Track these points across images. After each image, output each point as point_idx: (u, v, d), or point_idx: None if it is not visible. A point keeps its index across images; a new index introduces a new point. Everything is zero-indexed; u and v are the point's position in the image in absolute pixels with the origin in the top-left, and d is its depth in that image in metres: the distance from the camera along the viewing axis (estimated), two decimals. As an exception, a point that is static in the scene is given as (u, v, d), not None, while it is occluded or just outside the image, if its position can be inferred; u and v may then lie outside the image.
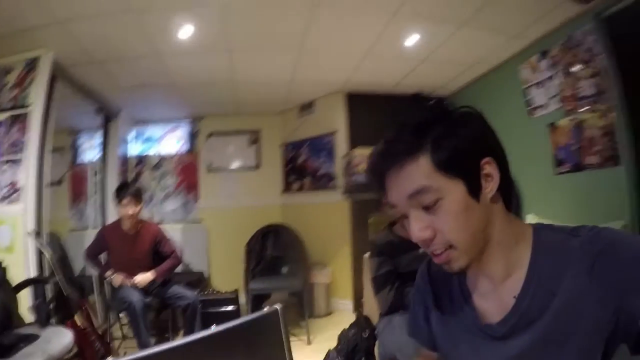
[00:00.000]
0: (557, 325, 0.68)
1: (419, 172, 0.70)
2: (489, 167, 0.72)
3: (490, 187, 0.72)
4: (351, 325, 2.67)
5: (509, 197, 0.78)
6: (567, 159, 3.14)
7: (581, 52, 2.97)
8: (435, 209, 0.70)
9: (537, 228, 0.77)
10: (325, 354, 2.56)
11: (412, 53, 3.61)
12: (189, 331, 3.13)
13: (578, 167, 3.05)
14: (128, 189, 3.27)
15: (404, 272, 2.17)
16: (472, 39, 3.34)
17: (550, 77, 3.26)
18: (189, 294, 3.27)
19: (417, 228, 0.72)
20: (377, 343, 2.21)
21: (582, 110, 3.00)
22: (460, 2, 2.81)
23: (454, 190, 0.70)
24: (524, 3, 2.83)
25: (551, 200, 3.16)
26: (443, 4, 2.85)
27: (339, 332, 2.63)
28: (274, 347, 2.89)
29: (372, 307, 2.75)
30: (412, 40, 3.37)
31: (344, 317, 3.85)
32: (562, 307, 0.68)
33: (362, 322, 2.99)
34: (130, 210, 3.21)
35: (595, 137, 2.90)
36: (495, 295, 0.77)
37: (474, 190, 0.71)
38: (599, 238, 0.68)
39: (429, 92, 4.57)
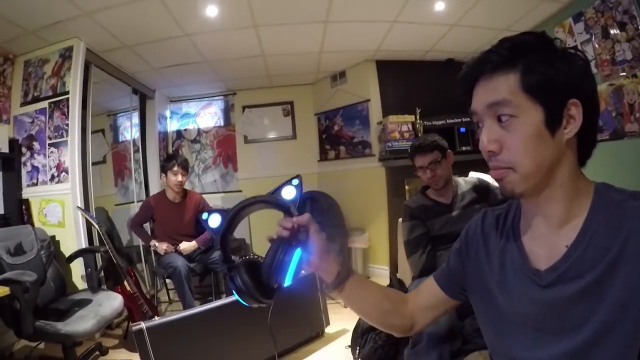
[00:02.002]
0: (605, 280, 0.68)
1: (505, 86, 0.72)
2: (575, 109, 0.72)
3: (570, 128, 0.73)
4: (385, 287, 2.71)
5: (585, 152, 0.80)
6: (607, 126, 2.98)
7: (617, 14, 2.79)
8: (508, 125, 0.72)
9: (599, 185, 0.78)
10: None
11: (442, 18, 3.47)
12: (232, 293, 3.26)
13: (618, 135, 2.89)
14: (176, 159, 3.46)
15: (435, 236, 2.19)
16: (503, 2, 3.18)
17: (587, 41, 3.08)
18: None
19: (486, 138, 0.74)
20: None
21: (619, 75, 2.83)
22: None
23: (531, 115, 0.71)
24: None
25: (590, 169, 3.00)
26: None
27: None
28: (311, 307, 3.01)
29: (405, 271, 2.77)
30: (440, 4, 3.24)
31: (381, 283, 3.90)
32: (613, 263, 0.67)
33: (395, 284, 3.03)
34: (179, 177, 3.40)
35: (635, 103, 2.74)
36: (548, 241, 0.78)
37: (551, 123, 0.72)
38: None
39: (462, 58, 4.42)
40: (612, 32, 2.86)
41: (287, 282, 0.82)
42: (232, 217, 0.86)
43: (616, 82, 2.86)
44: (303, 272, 0.88)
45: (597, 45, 3.00)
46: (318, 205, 4.63)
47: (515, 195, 0.76)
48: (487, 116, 0.75)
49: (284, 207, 0.85)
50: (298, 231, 0.84)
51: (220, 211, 0.89)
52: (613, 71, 2.88)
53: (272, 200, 0.87)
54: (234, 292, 0.82)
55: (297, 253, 0.83)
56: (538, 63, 0.71)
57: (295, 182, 0.88)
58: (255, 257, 0.87)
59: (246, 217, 0.90)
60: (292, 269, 0.81)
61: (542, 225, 0.79)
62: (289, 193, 0.87)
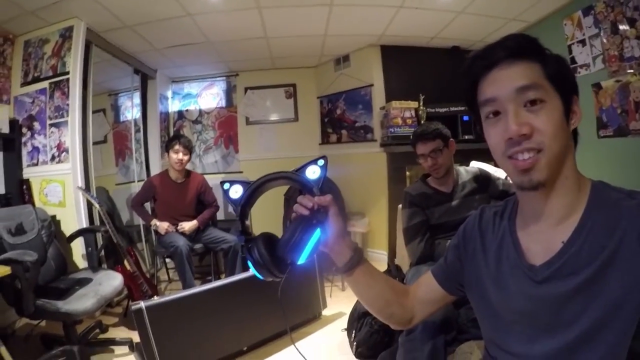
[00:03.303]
0: (600, 277, 0.69)
1: (533, 72, 0.74)
2: (576, 104, 0.78)
3: (574, 120, 0.78)
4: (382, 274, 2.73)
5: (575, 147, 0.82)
6: (611, 123, 2.97)
7: (628, 10, 2.75)
8: (538, 109, 0.73)
9: (596, 183, 0.79)
10: (356, 300, 2.65)
11: (449, 5, 3.42)
12: (231, 272, 3.33)
13: (622, 132, 2.88)
14: (180, 139, 3.49)
15: (435, 224, 2.20)
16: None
17: (595, 35, 3.04)
18: (230, 237, 3.46)
19: (517, 122, 0.72)
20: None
21: (627, 72, 2.80)
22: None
23: (556, 102, 0.74)
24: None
25: (592, 164, 2.96)
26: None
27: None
28: (309, 289, 3.04)
29: (404, 257, 2.79)
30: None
31: (379, 268, 3.92)
32: (608, 261, 0.68)
33: (393, 270, 3.05)
34: (181, 156, 3.43)
35: None
36: (545, 237, 0.79)
37: (567, 112, 0.76)
38: None
39: (467, 46, 4.37)
40: (621, 27, 2.83)
41: (302, 260, 0.84)
42: (255, 189, 0.88)
43: (623, 78, 2.84)
44: (318, 251, 0.89)
45: (605, 41, 2.97)
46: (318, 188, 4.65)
47: (540, 185, 0.74)
48: (512, 102, 0.74)
49: (308, 186, 0.87)
50: (318, 211, 0.86)
51: (242, 182, 0.90)
52: (621, 67, 2.86)
53: (296, 177, 0.88)
54: (249, 263, 0.84)
55: (317, 233, 0.84)
56: (552, 57, 0.76)
57: (321, 162, 0.88)
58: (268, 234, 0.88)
59: (267, 191, 0.92)
60: (309, 248, 0.83)
61: (540, 221, 0.80)
62: (313, 172, 0.87)
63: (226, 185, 0.90)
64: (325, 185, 0.88)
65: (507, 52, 0.75)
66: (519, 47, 0.75)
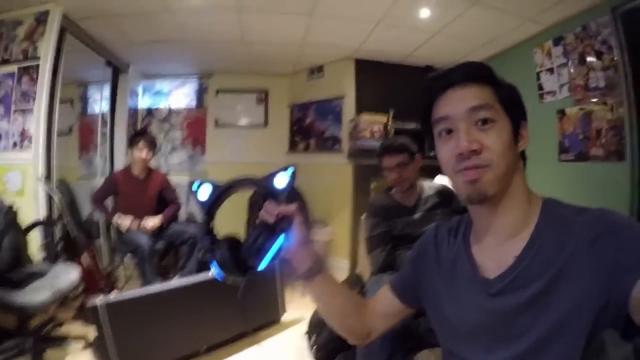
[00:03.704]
0: (549, 291, 0.72)
1: (485, 94, 0.80)
2: (524, 129, 0.84)
3: (522, 143, 0.83)
4: (343, 282, 2.77)
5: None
6: (573, 148, 3.15)
7: (596, 43, 2.93)
8: (488, 128, 0.77)
9: (548, 200, 0.83)
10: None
11: (426, 25, 3.55)
12: (188, 258, 3.34)
13: (582, 157, 3.06)
14: (145, 135, 3.47)
15: (396, 235, 2.24)
16: (486, 17, 3.28)
17: (563, 65, 3.23)
18: (190, 229, 3.47)
19: (468, 139, 0.76)
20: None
21: (590, 101, 2.99)
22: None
23: (505, 123, 0.80)
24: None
25: (553, 186, 3.12)
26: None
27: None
28: (268, 293, 3.03)
29: (364, 266, 2.85)
30: (425, 12, 3.32)
31: (340, 276, 3.97)
32: (557, 275, 0.71)
33: (353, 279, 3.12)
34: (145, 154, 3.39)
35: (602, 130, 2.90)
36: (497, 252, 0.82)
37: (515, 134, 0.81)
38: (604, 219, 0.73)
39: (441, 66, 4.52)
40: (588, 59, 3.00)
41: (262, 266, 0.84)
42: (223, 191, 0.89)
43: (587, 107, 3.02)
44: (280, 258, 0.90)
45: (572, 70, 3.14)
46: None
47: (487, 198, 0.78)
48: (465, 120, 0.78)
49: (275, 194, 0.88)
50: (282, 219, 0.87)
51: (211, 183, 0.91)
52: (585, 96, 3.03)
53: (264, 184, 0.89)
54: (212, 264, 0.86)
55: (279, 240, 0.85)
56: (503, 83, 0.83)
57: (290, 171, 0.89)
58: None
59: (234, 194, 0.92)
60: (270, 255, 0.84)
61: (492, 237, 0.84)
62: (281, 181, 0.88)
63: (194, 186, 0.91)
64: (293, 193, 0.90)
65: (463, 75, 0.81)
66: (475, 71, 0.81)
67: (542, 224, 0.79)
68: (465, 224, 0.95)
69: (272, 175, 0.89)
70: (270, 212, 0.86)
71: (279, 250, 0.86)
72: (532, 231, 0.79)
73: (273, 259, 0.85)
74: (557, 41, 3.27)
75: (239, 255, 0.85)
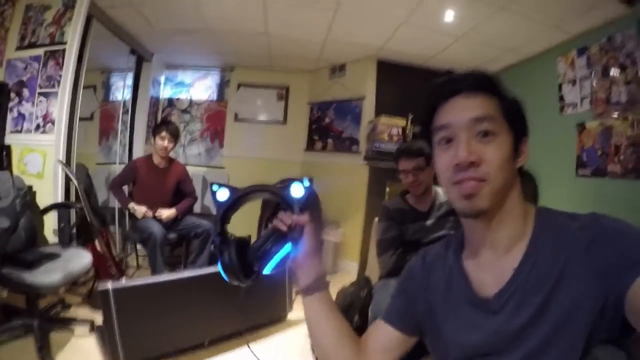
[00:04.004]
0: (552, 302, 0.71)
1: (490, 105, 0.78)
2: (525, 145, 0.82)
3: (521, 158, 0.81)
4: (352, 284, 2.75)
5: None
6: (590, 163, 3.08)
7: (621, 55, 2.86)
8: (489, 141, 0.76)
9: (541, 209, 0.82)
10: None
11: (450, 28, 3.52)
12: (199, 254, 3.36)
13: (599, 173, 2.99)
14: (168, 125, 3.49)
15: (408, 240, 2.23)
16: (511, 24, 3.25)
17: (586, 77, 3.16)
18: (204, 223, 3.48)
19: (467, 150, 0.75)
20: (372, 302, 2.31)
21: (612, 116, 2.91)
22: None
23: (506, 137, 0.78)
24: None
25: (568, 202, 3.09)
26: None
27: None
28: (276, 290, 3.02)
29: (374, 269, 2.83)
30: (450, 15, 3.29)
31: (349, 279, 3.94)
32: (557, 284, 0.71)
33: (362, 281, 3.09)
34: (167, 143, 3.42)
35: (621, 146, 2.83)
36: (495, 267, 0.81)
37: (516, 149, 0.79)
38: (598, 224, 0.73)
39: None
40: (612, 72, 2.93)
41: (267, 270, 0.86)
42: (241, 196, 0.90)
43: (607, 122, 2.94)
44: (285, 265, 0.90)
45: (595, 83, 3.07)
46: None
47: (481, 212, 0.77)
48: (465, 131, 0.77)
49: (289, 204, 0.88)
50: (294, 229, 0.87)
51: (230, 187, 0.91)
52: (606, 111, 2.96)
53: (279, 193, 0.89)
54: (219, 265, 0.86)
55: (286, 248, 0.86)
56: (508, 96, 0.80)
57: (307, 182, 0.89)
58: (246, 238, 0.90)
59: (251, 201, 0.93)
60: (276, 261, 0.85)
61: (489, 251, 0.83)
62: (297, 191, 0.88)
63: (215, 187, 0.91)
64: (311, 201, 0.89)
65: (469, 83, 0.79)
66: (481, 81, 0.80)
67: (537, 234, 0.78)
68: (456, 242, 0.93)
69: (289, 183, 0.89)
70: (284, 221, 0.87)
71: (286, 256, 0.87)
72: (528, 242, 0.78)
73: (280, 265, 0.87)
74: (582, 51, 3.21)
75: (245, 258, 0.85)
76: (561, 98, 3.40)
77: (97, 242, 3.01)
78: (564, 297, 0.70)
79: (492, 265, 0.81)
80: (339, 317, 0.96)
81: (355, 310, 2.48)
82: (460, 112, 0.78)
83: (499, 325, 0.77)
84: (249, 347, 0.89)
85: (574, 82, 3.28)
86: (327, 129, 5.07)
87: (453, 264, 0.90)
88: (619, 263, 0.66)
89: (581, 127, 3.17)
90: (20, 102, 3.21)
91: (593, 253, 0.69)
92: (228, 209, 0.90)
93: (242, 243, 0.88)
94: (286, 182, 0.90)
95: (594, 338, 0.69)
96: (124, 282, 2.26)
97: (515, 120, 0.79)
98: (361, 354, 0.95)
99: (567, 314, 0.69)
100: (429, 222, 2.25)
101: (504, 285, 0.77)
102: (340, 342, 0.94)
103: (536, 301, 0.72)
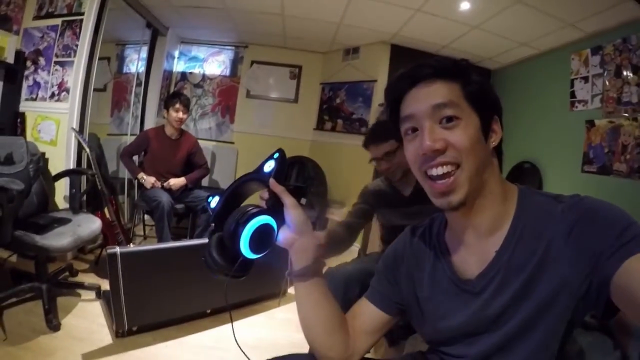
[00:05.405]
0: (534, 283, 0.71)
1: (450, 91, 0.77)
2: (495, 124, 0.82)
3: (494, 138, 0.81)
4: (353, 260, 2.80)
5: (500, 163, 0.85)
6: (596, 160, 3.09)
7: (634, 57, 2.84)
8: (453, 126, 0.75)
9: (523, 189, 0.82)
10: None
11: (465, 18, 3.49)
12: (204, 231, 3.43)
13: (605, 171, 3.00)
14: (181, 97, 3.54)
15: (395, 226, 1.97)
16: (527, 17, 3.20)
17: (599, 75, 3.13)
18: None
19: (431, 138, 0.75)
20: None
21: (621, 115, 2.91)
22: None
23: (472, 119, 0.77)
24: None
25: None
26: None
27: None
28: (278, 263, 3.02)
29: (374, 248, 2.86)
30: (466, 4, 3.26)
31: (349, 257, 3.98)
32: (539, 267, 0.71)
33: (361, 256, 3.15)
34: (181, 114, 3.48)
35: (628, 145, 2.83)
36: (478, 249, 0.81)
37: (485, 130, 0.79)
38: (581, 205, 0.72)
39: (476, 61, 4.43)
40: (624, 72, 2.91)
41: (246, 252, 0.79)
42: (228, 196, 0.87)
43: (616, 120, 2.94)
44: (275, 245, 0.86)
45: (607, 82, 3.05)
46: (304, 171, 4.72)
47: (460, 205, 0.77)
48: (429, 119, 0.76)
49: (263, 180, 0.85)
50: (271, 200, 0.84)
51: (220, 194, 0.89)
52: (616, 110, 2.96)
53: (254, 176, 0.87)
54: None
55: (256, 221, 0.79)
56: (475, 78, 0.80)
57: (275, 155, 0.86)
58: None
59: (247, 197, 0.90)
60: (246, 238, 0.78)
61: (472, 235, 0.83)
62: (269, 167, 0.86)
63: (210, 199, 0.90)
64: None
65: (430, 70, 0.79)
66: (442, 67, 0.79)
67: (519, 215, 0.78)
68: (438, 224, 0.94)
69: (262, 164, 0.87)
70: (262, 197, 0.86)
71: (268, 233, 0.82)
72: (510, 223, 0.78)
73: (264, 245, 0.82)
74: (596, 50, 3.18)
75: (229, 251, 0.81)
76: (572, 94, 3.39)
77: (106, 210, 3.10)
78: (546, 280, 0.70)
79: (475, 247, 0.82)
80: (333, 305, 0.93)
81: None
82: (421, 100, 0.78)
83: (480, 306, 0.78)
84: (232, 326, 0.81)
85: (586, 80, 3.26)
86: (337, 109, 5.08)
87: (437, 248, 0.90)
88: (603, 246, 0.65)
89: (590, 124, 3.17)
90: (36, 71, 3.27)
91: (576, 236, 0.69)
92: (222, 212, 0.86)
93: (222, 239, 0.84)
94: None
95: (576, 322, 0.72)
96: (131, 247, 2.32)
97: (481, 102, 0.79)
98: (350, 337, 0.94)
99: (550, 297, 0.70)
100: (414, 208, 1.92)
101: (485, 267, 0.79)
102: (332, 334, 0.92)
103: (518, 283, 0.73)
